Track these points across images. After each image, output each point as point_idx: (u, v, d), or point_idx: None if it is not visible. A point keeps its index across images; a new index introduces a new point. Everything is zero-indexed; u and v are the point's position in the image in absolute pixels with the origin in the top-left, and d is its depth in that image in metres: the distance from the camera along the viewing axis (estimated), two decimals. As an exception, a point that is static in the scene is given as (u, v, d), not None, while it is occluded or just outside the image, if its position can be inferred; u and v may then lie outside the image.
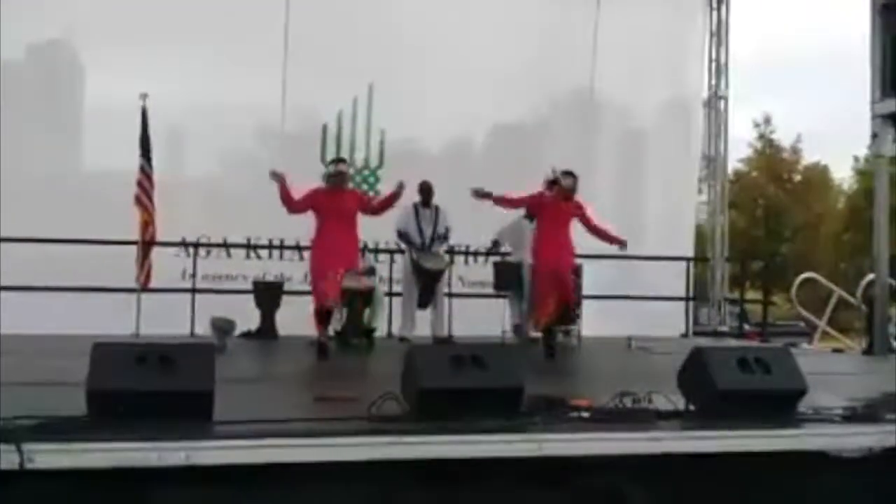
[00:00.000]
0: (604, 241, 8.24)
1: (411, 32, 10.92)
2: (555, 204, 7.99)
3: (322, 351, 7.32)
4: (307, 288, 9.93)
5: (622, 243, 8.17)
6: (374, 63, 10.84)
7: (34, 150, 10.40)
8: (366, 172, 11.38)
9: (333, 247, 7.43)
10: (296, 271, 10.58)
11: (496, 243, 9.77)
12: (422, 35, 10.91)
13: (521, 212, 9.74)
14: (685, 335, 11.68)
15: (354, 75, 10.98)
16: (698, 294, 13.59)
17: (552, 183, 8.18)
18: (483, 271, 10.84)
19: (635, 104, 12.48)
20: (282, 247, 10.96)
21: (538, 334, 9.25)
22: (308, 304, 9.27)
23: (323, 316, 7.39)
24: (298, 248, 10.74)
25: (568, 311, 8.03)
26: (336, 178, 7.67)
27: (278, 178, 7.51)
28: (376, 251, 10.08)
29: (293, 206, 7.62)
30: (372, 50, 10.75)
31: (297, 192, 7.62)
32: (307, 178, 10.80)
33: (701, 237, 14.49)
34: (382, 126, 11.41)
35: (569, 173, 8.01)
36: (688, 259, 12.43)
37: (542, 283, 7.96)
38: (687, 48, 12.76)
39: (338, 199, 7.59)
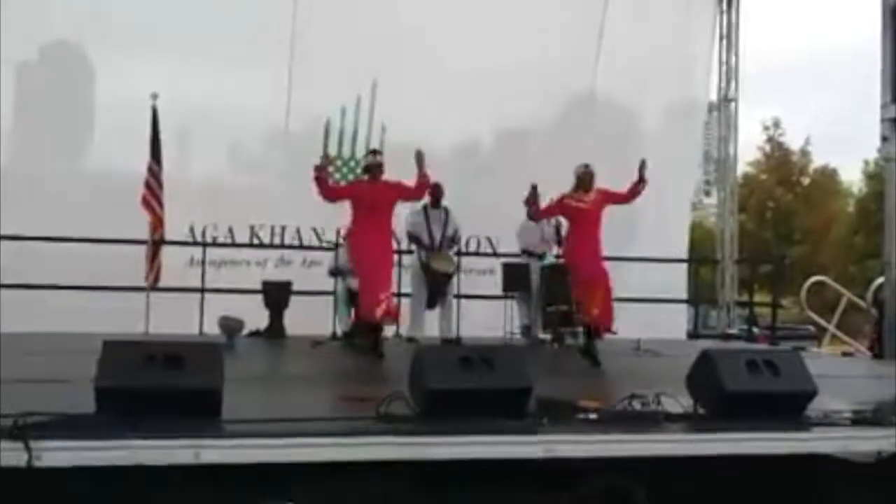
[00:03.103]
0: (638, 189, 7.89)
1: (415, 32, 10.96)
2: (579, 205, 7.76)
3: (374, 349, 7.35)
4: (309, 281, 10.10)
5: (642, 165, 7.81)
6: (379, 61, 10.89)
7: (47, 150, 10.48)
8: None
9: (376, 259, 7.42)
10: (296, 256, 10.95)
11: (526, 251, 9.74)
12: (426, 34, 10.96)
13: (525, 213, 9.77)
14: (693, 336, 11.67)
15: (358, 73, 11.04)
16: (707, 297, 13.59)
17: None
18: (488, 261, 11.04)
19: (640, 106, 12.48)
20: (282, 246, 11.15)
21: (547, 336, 9.26)
22: (315, 304, 9.39)
23: (368, 326, 7.41)
24: (300, 245, 10.94)
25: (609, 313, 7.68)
26: (373, 170, 7.67)
27: (323, 164, 7.59)
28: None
29: (328, 191, 7.60)
30: (376, 48, 10.79)
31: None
32: (310, 176, 11.05)
33: (710, 240, 14.45)
34: (384, 121, 11.45)
35: (583, 164, 7.86)
36: (688, 261, 12.39)
37: (580, 290, 7.71)
38: (692, 51, 12.75)
39: (375, 191, 7.58)
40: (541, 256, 9.69)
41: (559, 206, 7.91)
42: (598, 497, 4.03)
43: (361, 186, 7.82)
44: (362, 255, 7.58)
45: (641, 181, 7.83)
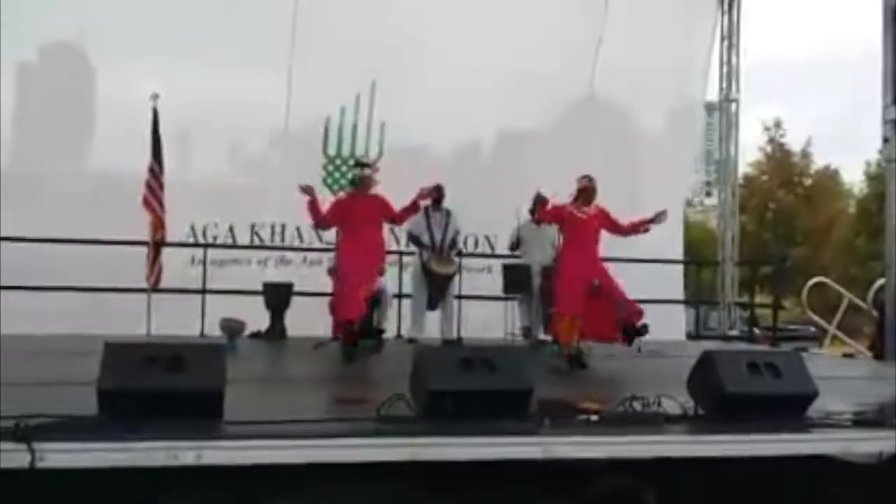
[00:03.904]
0: (642, 231, 7.76)
1: (415, 32, 10.97)
2: (576, 216, 7.58)
3: (346, 355, 7.34)
4: (310, 280, 10.11)
5: (661, 215, 7.66)
6: (378, 62, 10.92)
7: (47, 150, 10.51)
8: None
9: (358, 259, 7.42)
10: (297, 254, 11.04)
11: (515, 245, 9.77)
12: (426, 35, 10.97)
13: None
14: (693, 337, 11.66)
15: (358, 73, 11.10)
16: (708, 298, 13.58)
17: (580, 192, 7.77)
18: (486, 259, 11.13)
19: (638, 107, 12.48)
20: (283, 247, 11.20)
21: (548, 337, 9.24)
22: (316, 305, 9.40)
23: (345, 329, 7.42)
24: (301, 246, 11.06)
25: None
26: (360, 182, 7.69)
27: (308, 191, 7.60)
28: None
29: (321, 220, 7.76)
30: (376, 49, 10.80)
31: (323, 206, 7.78)
32: (310, 174, 11.15)
33: (711, 241, 14.43)
34: (384, 121, 11.48)
35: (585, 176, 7.72)
36: (688, 262, 12.35)
37: (564, 302, 7.57)
38: (691, 52, 12.75)
39: (362, 205, 7.58)
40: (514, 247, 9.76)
41: (559, 211, 7.71)
42: (601, 498, 4.04)
43: (346, 203, 7.82)
44: (344, 266, 7.60)
45: (649, 224, 7.69)
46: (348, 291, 7.40)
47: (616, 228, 7.78)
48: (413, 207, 7.90)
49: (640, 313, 7.44)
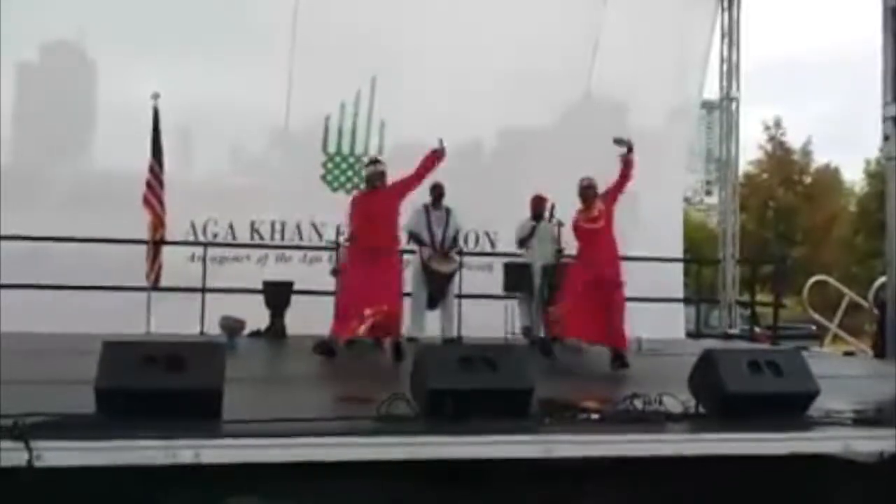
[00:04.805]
0: (627, 172, 7.61)
1: (415, 32, 10.96)
2: (591, 226, 7.52)
3: (327, 351, 7.33)
4: (311, 279, 10.09)
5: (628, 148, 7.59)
6: (378, 60, 10.94)
7: (47, 150, 10.51)
8: (365, 160, 11.48)
9: (371, 280, 7.26)
10: (296, 252, 11.11)
11: (522, 241, 9.73)
12: (426, 35, 10.96)
13: (528, 213, 9.75)
14: (694, 336, 11.65)
15: (358, 71, 11.11)
16: (708, 296, 13.57)
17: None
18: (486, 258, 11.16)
19: (636, 105, 12.47)
20: (283, 246, 11.20)
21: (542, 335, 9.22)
22: (316, 304, 9.39)
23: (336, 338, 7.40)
24: (301, 244, 11.10)
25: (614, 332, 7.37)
26: (374, 178, 7.60)
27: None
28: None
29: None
30: (376, 47, 10.81)
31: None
32: (309, 173, 11.07)
33: (711, 239, 14.40)
34: (383, 119, 11.49)
35: (583, 178, 7.73)
36: (689, 260, 12.31)
37: (574, 292, 7.50)
38: (690, 50, 12.74)
39: (376, 200, 7.49)
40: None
41: (575, 231, 7.70)
42: (602, 496, 4.03)
43: (359, 202, 7.74)
44: (355, 268, 7.50)
45: (627, 164, 7.58)
46: (350, 312, 7.30)
47: (616, 192, 7.66)
48: (430, 162, 7.74)
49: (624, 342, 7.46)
